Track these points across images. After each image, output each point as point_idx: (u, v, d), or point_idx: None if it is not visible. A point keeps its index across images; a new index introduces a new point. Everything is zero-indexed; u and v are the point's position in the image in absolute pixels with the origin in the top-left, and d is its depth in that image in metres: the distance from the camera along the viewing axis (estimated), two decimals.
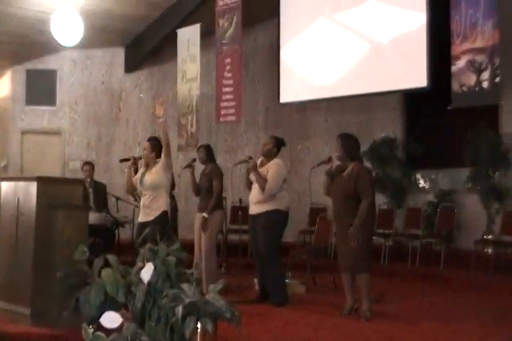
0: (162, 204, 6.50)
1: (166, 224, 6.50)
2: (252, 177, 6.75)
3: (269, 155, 6.86)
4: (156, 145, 6.69)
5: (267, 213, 6.65)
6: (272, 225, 6.68)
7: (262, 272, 6.76)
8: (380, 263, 9.53)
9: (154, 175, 6.51)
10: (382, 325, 5.65)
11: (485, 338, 5.18)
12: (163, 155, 6.47)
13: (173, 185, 8.11)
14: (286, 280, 7.39)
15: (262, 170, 6.76)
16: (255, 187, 6.75)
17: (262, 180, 6.61)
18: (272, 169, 6.71)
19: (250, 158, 6.87)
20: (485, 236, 9.22)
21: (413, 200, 10.61)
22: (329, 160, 6.18)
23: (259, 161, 6.90)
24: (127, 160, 7.00)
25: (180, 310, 3.90)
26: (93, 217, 8.88)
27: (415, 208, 10.15)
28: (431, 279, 8.54)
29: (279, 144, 6.94)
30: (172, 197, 8.22)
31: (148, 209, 6.50)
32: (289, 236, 10.17)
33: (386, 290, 7.51)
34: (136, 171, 6.82)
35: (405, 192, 10.68)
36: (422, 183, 10.79)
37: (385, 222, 9.98)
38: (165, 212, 6.47)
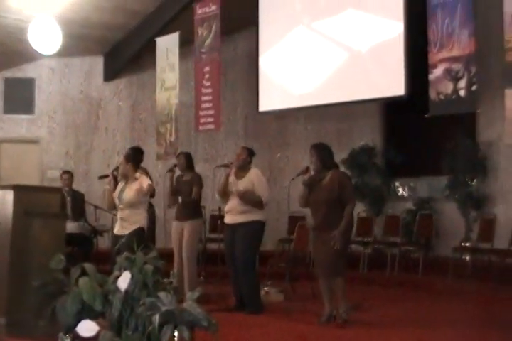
0: (139, 220, 6.50)
1: (141, 239, 6.38)
2: (233, 189, 6.74)
3: (245, 165, 6.88)
4: (131, 155, 6.71)
5: (250, 223, 6.67)
6: (253, 235, 6.72)
7: (238, 281, 6.75)
8: (359, 270, 9.57)
9: (133, 193, 6.50)
10: (361, 331, 5.66)
11: None
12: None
13: (152, 194, 8.09)
14: (265, 289, 7.41)
15: (242, 182, 6.75)
16: (236, 198, 6.73)
17: (255, 199, 6.66)
18: (258, 179, 6.79)
19: (231, 163, 6.92)
20: (463, 244, 9.28)
21: (392, 208, 10.66)
22: (306, 170, 6.20)
23: (232, 173, 6.86)
24: (106, 176, 7.00)
25: (157, 318, 3.88)
26: (71, 226, 8.84)
27: (394, 216, 10.20)
28: (409, 286, 8.59)
29: (251, 154, 6.98)
30: (150, 205, 8.19)
31: (126, 223, 6.49)
32: (268, 244, 10.18)
33: (365, 298, 7.52)
34: (116, 186, 6.80)
35: (384, 200, 10.73)
36: (400, 191, 10.86)
37: (364, 229, 10.03)
38: (141, 229, 6.46)
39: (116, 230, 6.61)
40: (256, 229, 6.73)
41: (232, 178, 6.82)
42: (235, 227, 6.76)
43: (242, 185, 6.73)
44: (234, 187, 6.76)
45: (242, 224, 6.68)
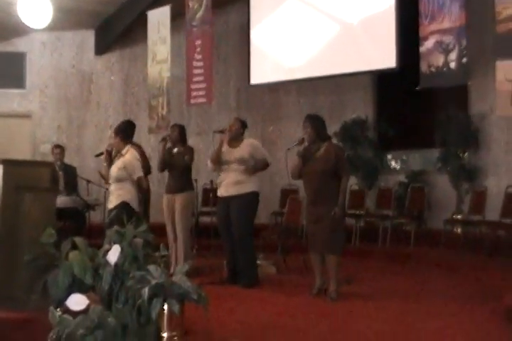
0: (123, 194, 6.60)
1: (126, 214, 6.38)
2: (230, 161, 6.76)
3: (237, 136, 6.89)
4: (119, 128, 6.85)
5: (246, 195, 6.69)
6: (249, 207, 6.74)
7: (233, 254, 6.76)
8: (351, 243, 9.59)
9: (117, 170, 6.63)
10: (352, 304, 5.71)
11: (455, 315, 5.25)
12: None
13: (148, 169, 8.10)
14: (257, 262, 7.44)
15: (236, 150, 6.77)
16: (232, 168, 6.73)
17: (262, 162, 6.80)
18: (254, 146, 6.86)
19: (226, 130, 6.90)
20: (454, 216, 9.33)
21: (384, 181, 10.67)
22: (302, 141, 6.15)
23: (226, 143, 6.86)
24: (101, 154, 7.05)
25: (146, 291, 3.91)
26: (63, 200, 8.87)
27: (386, 189, 10.21)
28: (401, 259, 8.64)
29: (243, 125, 7.01)
30: (146, 179, 8.19)
31: (112, 197, 6.67)
32: (262, 217, 10.22)
33: (357, 271, 7.59)
34: (111, 162, 6.86)
35: (376, 173, 10.72)
36: (393, 164, 10.87)
37: (356, 202, 10.05)
38: (124, 203, 6.55)
39: (108, 204, 6.79)
40: (251, 200, 6.74)
41: (225, 148, 6.81)
42: (229, 200, 6.74)
43: (238, 153, 6.75)
44: (227, 157, 6.76)
45: (237, 196, 6.68)
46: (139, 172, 6.67)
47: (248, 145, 6.84)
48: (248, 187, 6.72)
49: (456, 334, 4.65)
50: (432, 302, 5.85)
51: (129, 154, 6.68)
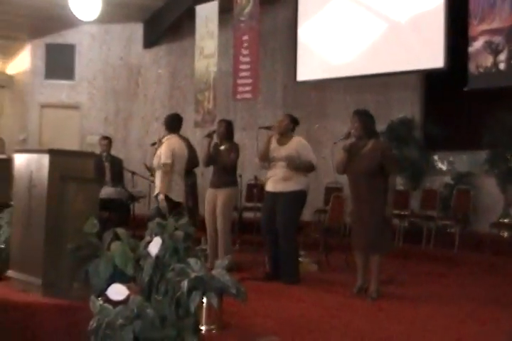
0: (159, 186, 6.86)
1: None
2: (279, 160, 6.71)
3: (286, 132, 6.80)
4: (164, 121, 7.20)
5: (293, 193, 6.61)
6: (295, 205, 6.66)
7: (275, 249, 6.73)
8: (395, 244, 9.49)
9: (156, 157, 6.98)
10: (391, 304, 5.63)
11: (496, 321, 5.14)
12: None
13: (195, 162, 8.16)
14: (299, 259, 7.39)
15: (284, 148, 6.70)
16: (280, 165, 6.68)
17: (306, 163, 6.65)
18: (302, 145, 6.74)
19: (274, 126, 6.84)
20: (501, 220, 9.15)
21: (430, 182, 10.51)
22: (348, 135, 6.04)
23: (274, 139, 6.82)
24: (155, 143, 7.32)
25: (185, 284, 3.92)
26: (109, 191, 8.96)
27: (432, 190, 10.05)
28: (445, 261, 8.50)
29: (294, 122, 6.90)
30: (192, 174, 8.24)
31: (155, 186, 7.05)
32: (305, 215, 10.19)
33: (399, 272, 7.49)
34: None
35: (422, 174, 10.57)
36: (439, 165, 10.70)
37: (400, 203, 9.93)
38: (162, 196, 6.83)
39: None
40: (298, 198, 6.65)
41: (274, 145, 6.77)
42: (276, 195, 6.69)
43: (285, 151, 6.67)
44: (275, 154, 6.72)
45: (285, 193, 6.61)
46: (166, 159, 6.82)
47: (296, 143, 6.74)
48: (295, 185, 6.63)
49: (496, 339, 4.55)
50: (474, 305, 5.74)
51: (166, 143, 6.92)
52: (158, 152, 6.94)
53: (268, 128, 6.95)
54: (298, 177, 6.64)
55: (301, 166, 6.65)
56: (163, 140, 6.99)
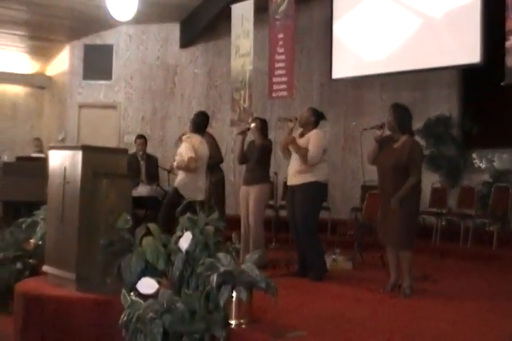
0: (176, 180, 7.26)
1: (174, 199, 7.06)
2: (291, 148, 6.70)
3: (307, 125, 6.75)
4: (192, 121, 7.51)
5: (306, 185, 6.54)
6: (311, 198, 6.58)
7: (301, 246, 6.71)
8: (432, 242, 9.41)
9: (178, 156, 7.24)
10: (423, 301, 5.56)
11: None
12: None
13: (219, 160, 8.21)
14: (333, 257, 7.36)
15: (301, 140, 6.67)
16: (295, 157, 6.68)
17: (303, 149, 6.53)
18: (313, 138, 6.62)
19: (296, 118, 6.77)
20: None
21: (467, 180, 10.39)
22: (381, 126, 5.98)
23: (298, 132, 6.81)
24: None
25: (215, 278, 3.94)
26: (144, 189, 9.07)
27: (469, 187, 9.92)
28: (483, 259, 8.39)
29: (317, 115, 6.83)
30: (217, 171, 8.28)
31: None
32: (342, 213, 10.16)
33: (436, 269, 7.40)
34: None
35: (460, 172, 10.47)
36: (477, 163, 10.56)
37: (438, 201, 9.85)
38: (175, 189, 7.22)
39: None
40: (313, 191, 6.56)
41: (295, 136, 6.74)
42: (293, 189, 6.67)
43: (301, 142, 6.64)
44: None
45: (299, 185, 6.58)
46: (188, 153, 7.01)
47: (311, 135, 6.67)
48: (308, 177, 6.55)
49: None
50: (509, 303, 5.63)
51: (186, 141, 7.17)
52: (179, 150, 7.16)
53: (288, 119, 6.85)
54: (311, 169, 6.56)
55: (299, 152, 6.57)
56: (184, 138, 7.14)
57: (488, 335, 4.36)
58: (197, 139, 7.25)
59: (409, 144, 5.85)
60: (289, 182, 6.77)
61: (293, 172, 6.68)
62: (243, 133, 7.61)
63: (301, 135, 6.77)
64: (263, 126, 7.68)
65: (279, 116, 7.41)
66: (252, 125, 7.56)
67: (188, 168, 7.03)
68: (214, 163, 7.92)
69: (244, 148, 7.65)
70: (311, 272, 6.54)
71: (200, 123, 7.45)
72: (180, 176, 7.20)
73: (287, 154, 6.83)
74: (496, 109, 9.96)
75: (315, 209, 6.68)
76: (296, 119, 6.67)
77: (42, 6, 11.02)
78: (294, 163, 6.68)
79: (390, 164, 5.80)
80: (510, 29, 8.34)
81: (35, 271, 5.73)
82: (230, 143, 11.75)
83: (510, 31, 8.34)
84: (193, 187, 7.10)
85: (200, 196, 7.16)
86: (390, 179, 5.81)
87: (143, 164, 9.59)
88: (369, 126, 6.26)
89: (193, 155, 6.96)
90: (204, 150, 7.26)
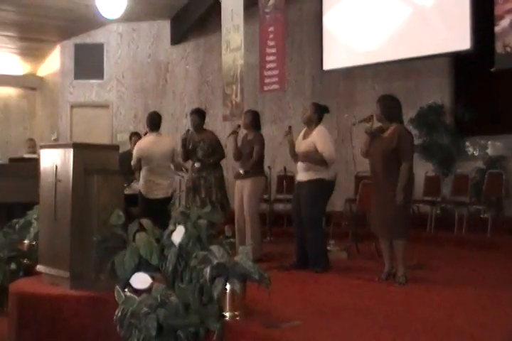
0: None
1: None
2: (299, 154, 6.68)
3: (309, 122, 6.71)
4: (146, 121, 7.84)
5: (311, 182, 6.57)
6: (315, 195, 6.58)
7: (302, 239, 6.71)
8: (427, 230, 9.44)
9: None
10: (419, 289, 5.58)
11: None
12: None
13: (221, 155, 8.21)
14: (328, 247, 7.37)
15: (306, 141, 6.65)
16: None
17: (317, 158, 6.51)
18: (320, 137, 6.57)
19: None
20: None
21: (461, 167, 10.40)
22: (370, 118, 5.96)
23: (302, 132, 6.79)
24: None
25: (208, 271, 3.95)
26: (138, 187, 9.02)
27: (463, 175, 9.94)
28: (477, 246, 8.42)
29: (319, 111, 6.74)
30: (219, 167, 8.28)
31: None
32: (337, 205, 10.17)
33: (430, 258, 7.44)
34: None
35: (453, 160, 10.49)
36: (470, 150, 10.58)
37: (432, 189, 9.88)
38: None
39: None
40: (319, 187, 6.57)
41: (299, 138, 6.75)
42: (301, 185, 6.69)
43: (304, 145, 6.62)
44: (298, 148, 6.69)
45: (306, 182, 6.60)
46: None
47: (315, 135, 6.62)
48: (315, 173, 6.56)
49: None
50: (505, 289, 5.63)
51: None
52: None
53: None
54: (319, 167, 6.57)
55: (314, 162, 6.55)
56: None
57: (485, 321, 4.36)
58: (149, 139, 7.63)
59: (398, 131, 5.83)
60: (298, 178, 6.80)
61: (301, 169, 6.69)
62: (234, 132, 7.67)
63: (305, 134, 6.74)
64: (255, 118, 7.67)
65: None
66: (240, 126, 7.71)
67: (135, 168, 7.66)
68: (217, 159, 7.94)
69: (238, 144, 7.67)
70: (315, 266, 6.50)
71: (152, 121, 7.71)
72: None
73: (295, 159, 6.81)
74: (488, 96, 9.98)
75: (319, 205, 6.65)
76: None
77: (31, 7, 11.00)
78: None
79: (379, 154, 5.81)
80: (500, 14, 8.33)
81: (29, 272, 5.73)
82: (223, 138, 11.73)
83: (500, 16, 8.32)
84: (150, 185, 7.51)
85: (160, 194, 7.50)
86: (380, 168, 5.81)
87: None
88: (357, 121, 6.24)
89: (133, 163, 7.61)
90: (156, 148, 7.54)
